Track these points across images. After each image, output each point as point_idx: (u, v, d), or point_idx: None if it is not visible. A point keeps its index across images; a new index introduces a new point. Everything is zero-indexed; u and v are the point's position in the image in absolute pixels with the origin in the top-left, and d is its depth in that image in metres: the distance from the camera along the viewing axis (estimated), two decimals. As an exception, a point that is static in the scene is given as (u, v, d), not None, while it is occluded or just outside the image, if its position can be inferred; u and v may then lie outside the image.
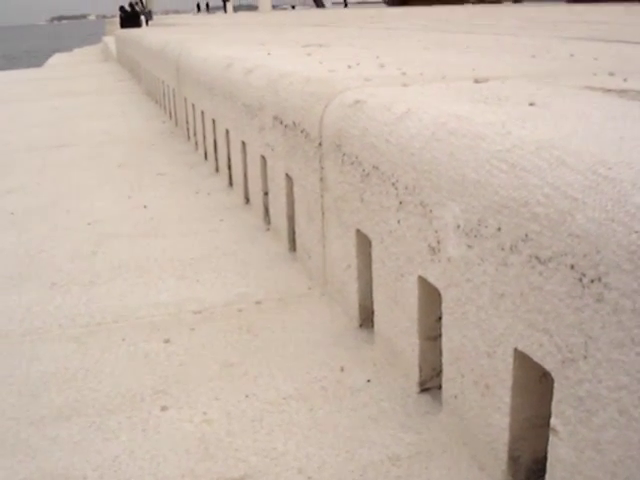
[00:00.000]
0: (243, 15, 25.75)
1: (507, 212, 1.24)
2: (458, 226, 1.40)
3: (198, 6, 48.98)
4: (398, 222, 1.66)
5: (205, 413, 1.68)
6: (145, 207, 3.40)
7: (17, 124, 6.19)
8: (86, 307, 2.30)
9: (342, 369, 1.84)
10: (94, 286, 2.47)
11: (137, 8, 25.60)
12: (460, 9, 18.90)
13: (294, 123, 2.38)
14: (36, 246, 2.92)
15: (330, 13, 20.41)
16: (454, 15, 12.05)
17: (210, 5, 49.36)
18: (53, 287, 2.49)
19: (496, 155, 1.31)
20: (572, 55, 3.02)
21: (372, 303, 1.94)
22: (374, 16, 13.55)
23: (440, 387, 1.64)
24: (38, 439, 1.62)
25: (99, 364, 1.95)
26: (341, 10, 28.69)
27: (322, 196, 2.20)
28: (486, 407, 1.41)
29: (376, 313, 1.90)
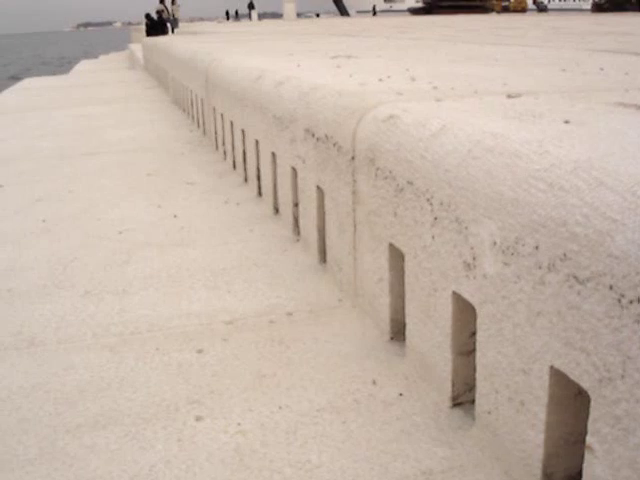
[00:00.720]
0: (268, 23, 25.87)
1: (545, 231, 1.25)
2: (494, 243, 1.41)
3: (227, 14, 50.31)
4: (432, 237, 1.68)
5: (239, 424, 1.70)
6: (175, 216, 3.44)
7: (47, 131, 6.26)
8: (119, 316, 2.34)
9: (374, 382, 1.86)
10: (127, 295, 2.50)
11: (163, 16, 25.86)
12: (485, 18, 18.89)
13: (326, 136, 2.40)
14: (68, 254, 2.97)
15: (355, 22, 20.47)
16: (479, 25, 12.05)
17: (231, 13, 50.95)
18: (86, 295, 2.52)
19: (534, 174, 1.33)
20: (602, 69, 3.02)
21: (404, 316, 1.95)
22: (399, 26, 13.58)
23: (472, 402, 1.65)
24: (75, 447, 1.65)
25: (134, 373, 1.98)
26: (366, 19, 28.79)
27: (354, 209, 2.22)
28: (521, 423, 1.42)
29: (408, 327, 1.91)
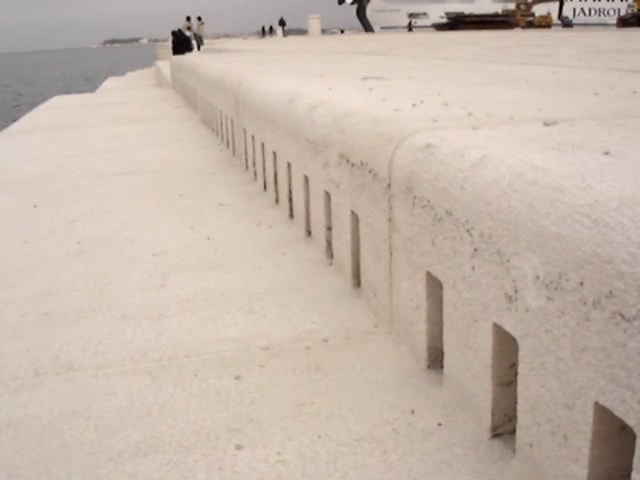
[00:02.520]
0: (294, 40, 26.02)
1: (590, 268, 1.26)
2: (537, 277, 1.42)
3: (263, 30, 52.79)
4: (472, 268, 1.69)
5: (279, 453, 1.71)
6: (209, 238, 3.46)
7: (78, 151, 6.33)
8: (157, 341, 2.36)
9: (412, 411, 1.86)
10: (164, 319, 2.53)
11: (187, 33, 26.18)
12: (510, 35, 18.85)
13: (362, 162, 2.42)
14: (104, 277, 3.00)
15: (380, 39, 20.53)
16: (505, 42, 12.04)
17: (266, 29, 53.78)
18: (123, 319, 2.55)
19: (577, 210, 1.33)
20: (635, 92, 3.02)
21: (441, 345, 1.96)
22: (424, 43, 13.60)
23: (512, 433, 1.65)
24: (118, 476, 1.67)
25: (173, 400, 1.99)
26: (389, 36, 28.91)
27: (390, 236, 2.23)
28: (563, 457, 1.42)
29: (446, 356, 1.91)
